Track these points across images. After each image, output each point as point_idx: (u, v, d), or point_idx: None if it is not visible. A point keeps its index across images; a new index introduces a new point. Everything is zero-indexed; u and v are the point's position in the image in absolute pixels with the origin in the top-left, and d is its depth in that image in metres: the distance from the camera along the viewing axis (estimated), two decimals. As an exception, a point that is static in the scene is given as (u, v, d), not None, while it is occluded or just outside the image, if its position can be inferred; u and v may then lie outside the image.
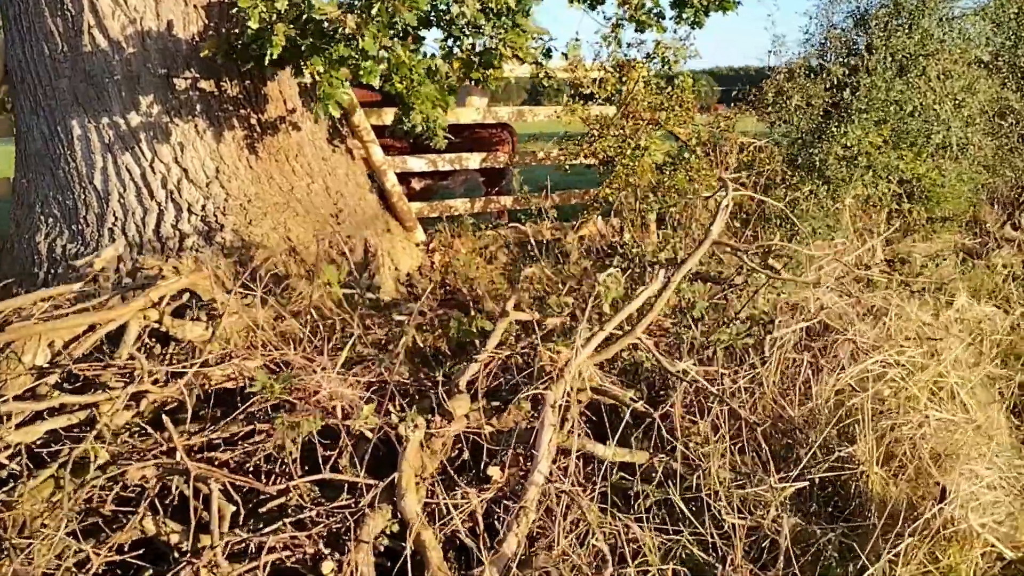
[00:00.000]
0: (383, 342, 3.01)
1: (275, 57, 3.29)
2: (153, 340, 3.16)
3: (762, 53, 8.21)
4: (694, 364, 2.84)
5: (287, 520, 2.25)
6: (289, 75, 4.25)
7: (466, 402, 2.49)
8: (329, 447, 2.39)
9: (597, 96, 4.85)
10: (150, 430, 2.57)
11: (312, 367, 2.53)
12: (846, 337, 2.90)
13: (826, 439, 2.56)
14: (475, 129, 6.17)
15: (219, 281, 3.16)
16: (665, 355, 2.82)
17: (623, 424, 2.68)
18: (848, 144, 5.16)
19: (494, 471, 2.30)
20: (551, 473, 2.30)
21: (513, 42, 3.68)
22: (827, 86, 5.37)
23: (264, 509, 2.40)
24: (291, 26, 3.20)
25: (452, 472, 2.39)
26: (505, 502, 2.30)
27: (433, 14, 3.79)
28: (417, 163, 5.62)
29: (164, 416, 2.47)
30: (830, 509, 2.61)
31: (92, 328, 3.03)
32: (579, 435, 2.45)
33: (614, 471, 2.51)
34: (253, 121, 4.21)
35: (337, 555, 2.19)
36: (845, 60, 5.63)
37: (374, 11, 3.13)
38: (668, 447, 2.62)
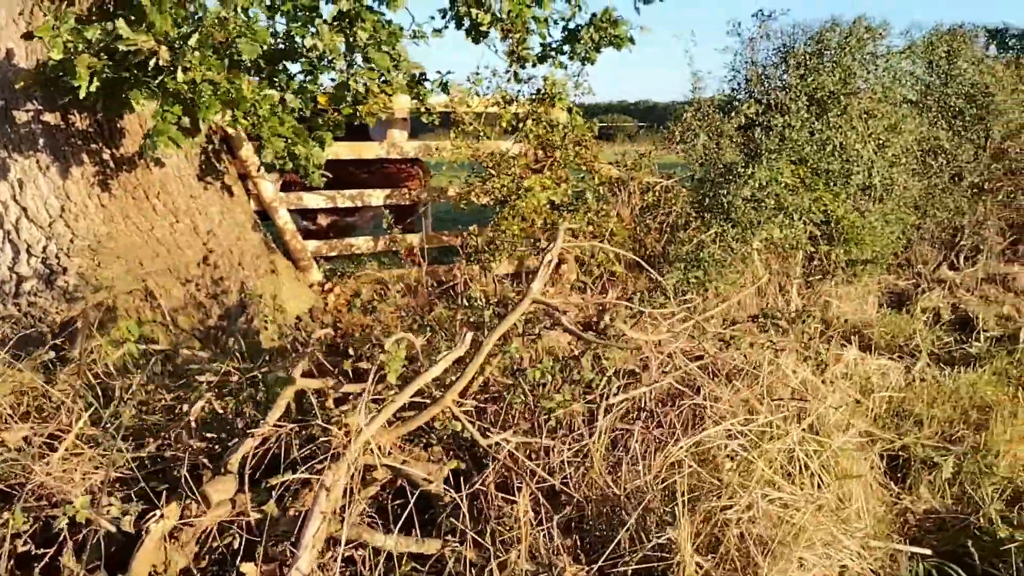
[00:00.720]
0: (175, 408, 2.72)
1: (92, 90, 3.04)
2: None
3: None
4: (524, 434, 2.57)
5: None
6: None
7: (231, 484, 2.19)
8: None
9: (482, 132, 4.64)
10: None
11: (39, 449, 2.23)
12: (692, 402, 2.63)
13: (647, 522, 2.28)
14: (384, 164, 5.95)
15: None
16: (490, 424, 2.55)
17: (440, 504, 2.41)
18: (760, 184, 4.95)
19: (248, 568, 2.00)
20: (315, 569, 2.00)
21: (369, 77, 3.45)
22: (738, 124, 5.17)
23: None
24: (103, 57, 2.95)
25: (209, 567, 2.09)
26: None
27: (286, 45, 3.57)
28: (314, 199, 5.37)
29: None
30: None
31: None
32: (358, 523, 2.16)
33: (403, 562, 2.22)
34: (106, 156, 3.94)
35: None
36: (761, 98, 5.44)
37: (192, 41, 2.89)
38: (478, 530, 2.34)
